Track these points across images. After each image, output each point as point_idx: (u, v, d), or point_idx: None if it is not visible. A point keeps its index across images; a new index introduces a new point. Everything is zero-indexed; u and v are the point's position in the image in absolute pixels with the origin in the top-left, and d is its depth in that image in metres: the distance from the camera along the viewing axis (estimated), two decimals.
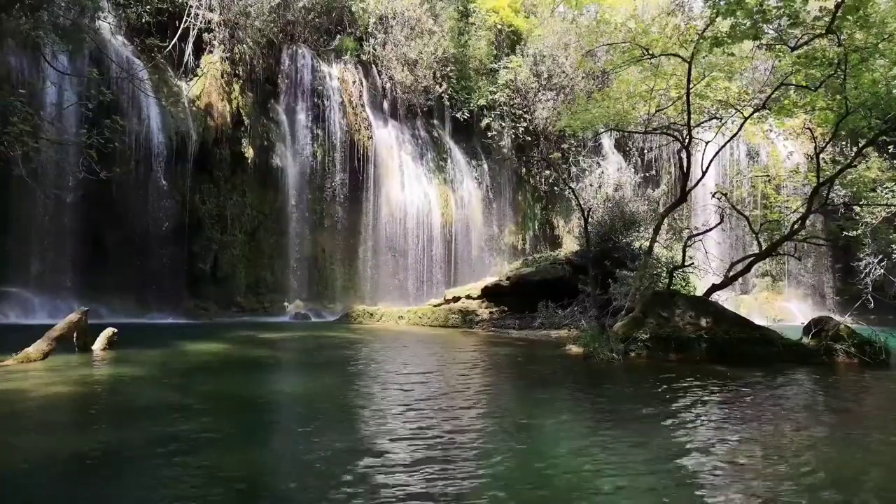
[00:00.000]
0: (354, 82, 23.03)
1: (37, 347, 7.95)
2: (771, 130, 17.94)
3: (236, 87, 20.25)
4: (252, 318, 18.41)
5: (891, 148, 19.38)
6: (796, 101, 12.75)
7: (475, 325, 16.23)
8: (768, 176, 24.89)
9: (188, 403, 5.92)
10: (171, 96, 18.45)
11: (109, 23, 17.92)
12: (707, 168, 13.10)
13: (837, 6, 9.68)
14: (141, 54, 18.21)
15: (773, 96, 12.77)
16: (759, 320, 13.01)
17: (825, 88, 11.47)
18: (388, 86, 23.93)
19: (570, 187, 17.63)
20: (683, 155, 13.34)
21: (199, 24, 19.23)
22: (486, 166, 25.90)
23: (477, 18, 25.81)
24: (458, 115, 25.08)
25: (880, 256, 20.73)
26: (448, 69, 24.45)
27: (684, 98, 12.12)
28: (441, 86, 24.35)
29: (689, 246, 13.87)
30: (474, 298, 17.79)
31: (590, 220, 14.37)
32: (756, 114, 12.99)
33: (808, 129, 14.20)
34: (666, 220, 15.39)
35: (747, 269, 13.61)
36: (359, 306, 18.84)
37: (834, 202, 15.69)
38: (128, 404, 5.84)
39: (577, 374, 8.71)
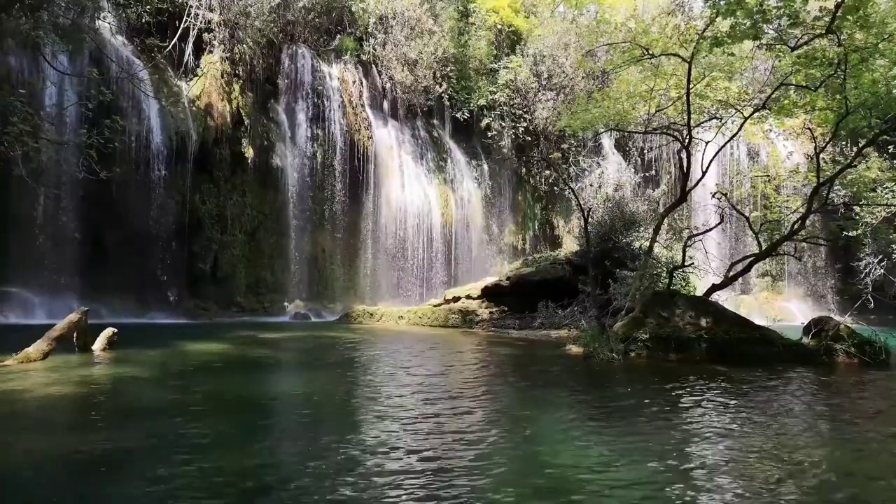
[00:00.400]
0: (354, 82, 23.03)
1: (37, 347, 7.95)
2: (771, 130, 17.95)
3: (236, 87, 20.25)
4: (252, 318, 18.41)
5: (891, 148, 19.38)
6: (796, 101, 12.75)
7: (475, 325, 16.23)
8: (768, 176, 24.89)
9: (188, 403, 5.92)
10: (171, 96, 18.45)
11: (109, 23, 17.92)
12: (707, 168, 13.10)
13: (837, 6, 9.68)
14: (141, 54, 18.21)
15: (773, 96, 12.77)
16: (759, 320, 13.01)
17: (825, 88, 11.47)
18: (388, 86, 23.93)
19: (570, 187, 17.64)
20: (683, 155, 13.35)
21: (199, 24, 19.23)
22: (486, 166, 25.91)
23: (477, 18, 25.81)
24: (458, 115, 25.08)
25: (880, 256, 20.74)
26: (448, 69, 24.45)
27: (684, 98, 12.12)
28: (441, 86, 24.35)
29: (689, 246, 13.87)
30: (474, 298, 17.78)
31: (590, 220, 14.36)
32: (756, 114, 12.99)
33: (808, 129, 14.20)
34: (666, 220, 15.39)
35: (747, 269, 13.61)
36: (359, 306, 18.84)
37: (834, 202, 15.70)
38: (128, 404, 5.84)
39: (577, 375, 8.71)
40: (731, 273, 12.74)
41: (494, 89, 25.32)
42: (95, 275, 16.15)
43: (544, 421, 5.54)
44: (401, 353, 10.97)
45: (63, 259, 16.18)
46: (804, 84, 11.72)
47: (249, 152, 20.15)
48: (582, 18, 26.86)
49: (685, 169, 13.53)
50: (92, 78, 14.78)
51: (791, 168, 23.63)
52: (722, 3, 10.19)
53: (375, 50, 23.54)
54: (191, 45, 19.29)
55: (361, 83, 23.31)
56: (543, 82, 25.60)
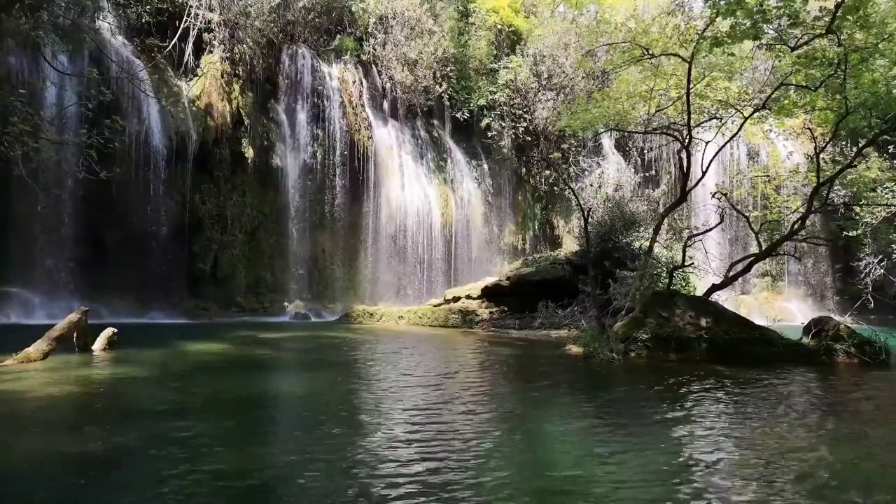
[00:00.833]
0: (354, 82, 23.03)
1: (37, 347, 7.95)
2: (771, 130, 17.95)
3: (236, 87, 20.25)
4: (252, 318, 18.41)
5: (891, 148, 19.38)
6: (796, 101, 12.75)
7: (475, 325, 16.23)
8: (768, 176, 24.88)
9: (188, 404, 5.92)
10: (171, 96, 18.46)
11: (109, 23, 17.92)
12: (707, 168, 13.10)
13: (837, 6, 9.68)
14: (141, 54, 18.21)
15: (773, 96, 12.76)
16: (759, 320, 13.01)
17: (825, 88, 11.47)
18: (388, 86, 23.94)
19: (570, 187, 17.64)
20: (683, 155, 13.35)
21: (199, 24, 19.23)
22: (486, 166, 25.91)
23: (477, 18, 25.81)
24: (458, 115, 25.08)
25: (880, 256, 20.73)
26: (448, 69, 24.45)
27: (684, 98, 12.12)
28: (441, 86, 24.35)
29: (689, 246, 13.86)
30: (474, 298, 17.78)
31: (590, 220, 14.37)
32: (756, 114, 12.99)
33: (808, 129, 14.20)
34: (666, 220, 15.39)
35: (747, 269, 13.61)
36: (359, 306, 18.84)
37: (834, 202, 15.69)
38: (128, 404, 5.84)
39: (577, 375, 8.71)
40: (731, 273, 12.74)
41: (494, 89, 25.32)
42: (95, 275, 16.15)
43: (544, 421, 5.53)
44: (401, 353, 10.97)
45: (63, 259, 16.19)
46: (804, 84, 11.71)
47: (249, 152, 20.15)
48: (582, 18, 26.87)
49: (685, 169, 13.53)
50: (92, 78, 14.77)
51: (791, 168, 23.61)
52: (722, 3, 10.19)
53: (375, 50, 23.54)
54: (191, 45, 19.29)
55: (361, 83, 23.32)
56: (543, 82, 25.60)
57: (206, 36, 19.68)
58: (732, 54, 11.98)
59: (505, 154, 25.92)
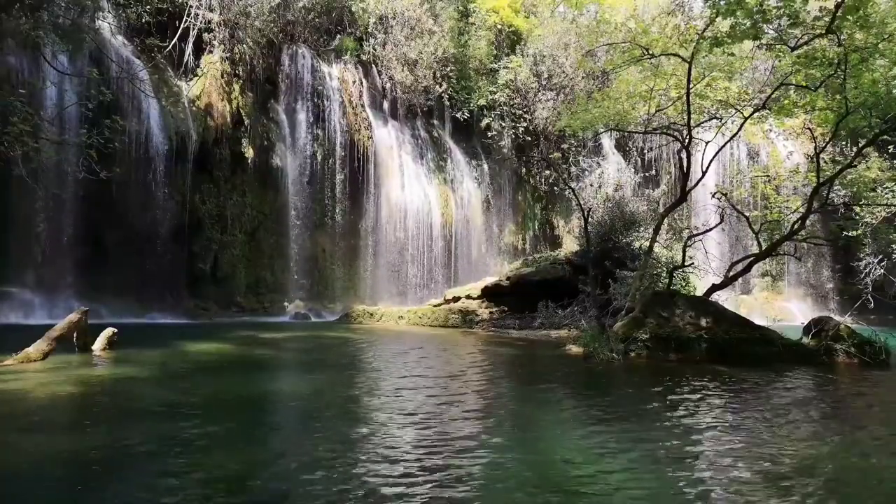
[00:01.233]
0: (354, 82, 23.03)
1: (37, 347, 7.95)
2: (771, 130, 17.97)
3: (236, 87, 20.25)
4: (252, 318, 18.41)
5: (891, 148, 19.38)
6: (796, 101, 12.75)
7: (475, 325, 16.23)
8: (768, 176, 24.85)
9: (188, 403, 5.92)
10: (171, 96, 18.45)
11: (109, 23, 17.92)
12: (707, 168, 13.10)
13: (837, 6, 9.68)
14: (141, 54, 18.21)
15: (773, 96, 12.76)
16: (759, 320, 13.01)
17: (825, 88, 11.47)
18: (388, 86, 23.93)
19: (570, 187, 17.64)
20: (683, 155, 13.35)
21: (199, 24, 19.23)
22: (486, 166, 25.91)
23: (477, 18, 25.81)
24: (458, 115, 25.08)
25: (880, 256, 20.74)
26: (448, 69, 24.45)
27: (684, 98, 12.12)
28: (441, 86, 24.35)
29: (689, 246, 13.87)
30: (474, 298, 17.78)
31: (590, 220, 14.37)
32: (756, 114, 12.99)
33: (808, 129, 14.20)
34: (666, 220, 15.39)
35: (747, 269, 13.61)
36: (359, 306, 18.84)
37: (834, 202, 15.69)
38: (128, 404, 5.84)
39: (577, 375, 8.71)
40: (731, 273, 12.74)
41: (494, 89, 25.32)
42: (95, 275, 16.15)
43: (544, 421, 5.53)
44: (401, 353, 10.97)
45: (63, 259, 16.18)
46: (804, 84, 11.71)
47: (249, 152, 20.15)
48: (582, 18, 26.87)
49: (685, 169, 13.53)
50: (92, 78, 14.77)
51: (791, 168, 23.61)
52: (722, 3, 10.19)
53: (375, 50, 23.54)
54: (191, 45, 19.28)
55: (361, 83, 23.31)
56: (543, 82, 25.60)
57: (206, 36, 19.67)
58: (732, 54, 11.98)
59: (505, 154, 25.92)
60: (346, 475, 3.81)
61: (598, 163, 25.61)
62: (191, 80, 19.40)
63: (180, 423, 5.06)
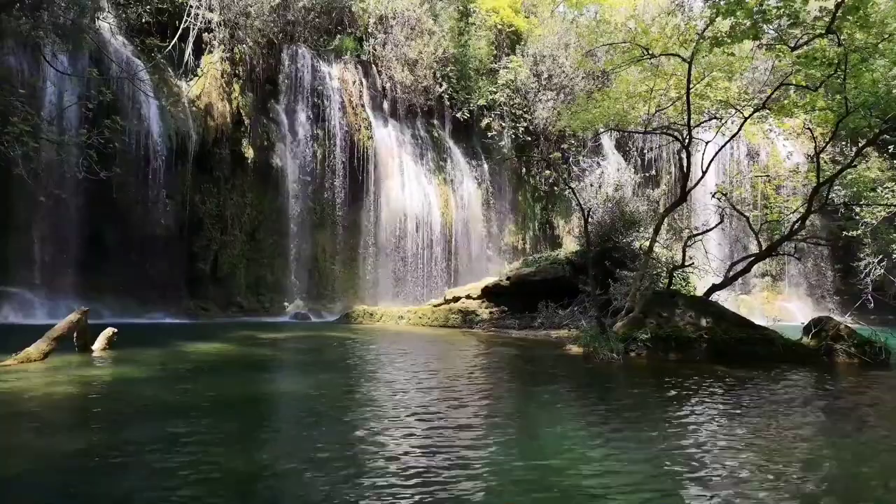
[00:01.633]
0: (354, 82, 23.02)
1: (37, 347, 7.95)
2: (771, 130, 17.95)
3: (236, 87, 20.26)
4: (252, 318, 18.42)
5: (891, 148, 19.39)
6: (796, 101, 12.75)
7: (475, 325, 16.23)
8: (768, 176, 24.90)
9: (188, 403, 5.92)
10: (171, 96, 18.45)
11: (109, 23, 17.92)
12: (707, 168, 13.11)
13: (837, 6, 9.68)
14: (141, 54, 18.20)
15: (773, 96, 12.77)
16: (759, 320, 13.01)
17: (825, 88, 11.47)
18: (388, 86, 23.93)
19: (570, 187, 17.65)
20: (683, 155, 13.35)
21: (199, 24, 19.23)
22: (486, 166, 25.91)
23: (477, 18, 25.80)
24: (458, 115, 25.07)
25: (880, 256, 20.73)
26: (448, 69, 24.45)
27: (684, 98, 12.12)
28: (441, 86, 24.35)
29: (689, 246, 13.87)
30: (474, 298, 17.79)
31: (590, 220, 14.38)
32: (756, 114, 12.99)
33: (808, 129, 14.20)
34: (666, 220, 15.39)
35: (747, 269, 13.62)
36: (359, 306, 18.85)
37: (834, 202, 15.70)
38: (128, 404, 5.84)
39: (577, 375, 8.71)
40: (731, 273, 12.74)
41: (494, 89, 25.31)
42: (95, 275, 16.15)
43: (545, 421, 5.53)
44: (401, 353, 10.97)
45: (63, 259, 16.18)
46: (804, 84, 11.72)
47: (249, 152, 20.16)
48: (582, 18, 26.92)
49: (685, 169, 13.54)
50: (92, 78, 14.77)
51: (791, 168, 23.65)
52: (722, 3, 10.18)
53: (375, 50, 23.53)
54: (191, 45, 19.29)
55: (361, 83, 23.31)
56: (543, 82, 25.60)
57: (206, 36, 19.68)
58: (732, 54, 11.98)
59: (505, 154, 25.91)
60: (346, 475, 3.81)
61: (598, 163, 25.62)
62: (191, 80, 19.41)
63: (180, 423, 5.05)
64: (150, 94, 17.12)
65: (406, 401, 6.27)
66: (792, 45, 10.95)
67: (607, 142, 27.58)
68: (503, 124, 25.56)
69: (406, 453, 4.28)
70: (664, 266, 14.97)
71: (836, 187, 14.40)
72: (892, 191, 17.61)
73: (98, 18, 16.54)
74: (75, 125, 15.10)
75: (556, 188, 26.07)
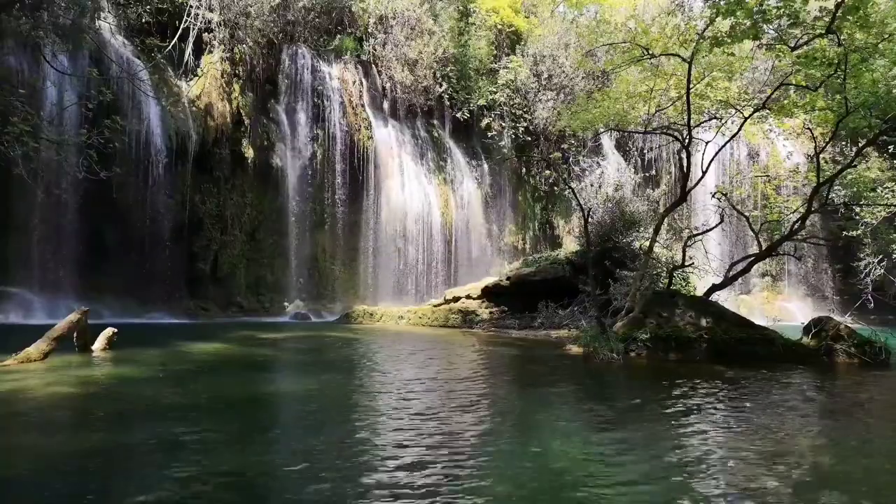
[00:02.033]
0: (354, 82, 23.02)
1: (37, 347, 7.95)
2: (771, 130, 17.94)
3: (236, 87, 20.26)
4: (252, 318, 18.41)
5: (891, 148, 19.39)
6: (796, 101, 12.75)
7: (475, 325, 16.23)
8: (768, 176, 24.90)
9: (188, 403, 5.92)
10: (171, 96, 18.45)
11: (109, 23, 17.92)
12: (707, 168, 13.11)
13: (837, 6, 9.68)
14: (141, 54, 18.20)
15: (773, 96, 12.76)
16: (759, 320, 13.01)
17: (825, 88, 11.47)
18: (388, 86, 23.92)
19: (570, 187, 17.65)
20: (683, 155, 13.35)
21: (199, 24, 19.22)
22: (486, 166, 25.91)
23: (477, 18, 25.80)
24: (458, 115, 25.07)
25: (880, 256, 20.73)
26: (448, 69, 24.44)
27: (684, 98, 12.12)
28: (441, 86, 24.35)
29: (689, 246, 13.87)
30: (474, 298, 17.79)
31: (590, 220, 14.38)
32: (756, 114, 12.99)
33: (808, 129, 14.20)
34: (666, 220, 15.39)
35: (747, 269, 13.62)
36: (359, 306, 18.84)
37: (834, 202, 15.70)
38: (127, 404, 5.84)
39: (577, 375, 8.71)
40: (731, 273, 12.74)
41: (494, 89, 25.31)
42: (95, 275, 16.15)
43: (545, 421, 5.53)
44: (401, 353, 10.97)
45: (63, 259, 16.18)
46: (804, 84, 11.72)
47: (249, 152, 20.16)
48: (582, 18, 26.91)
49: (685, 169, 13.54)
50: (92, 78, 14.77)
51: (791, 168, 23.65)
52: (722, 3, 10.18)
53: (375, 50, 23.53)
54: (191, 45, 19.28)
55: (361, 83, 23.31)
56: (543, 82, 25.59)
57: (206, 36, 19.68)
58: (732, 54, 11.97)
59: (505, 154, 25.90)
60: (346, 476, 3.81)
61: (598, 163, 25.62)
62: (191, 80, 19.41)
63: (180, 423, 5.06)
64: (150, 94, 17.12)
65: (406, 401, 6.26)
66: (792, 45, 10.95)
67: (607, 142, 27.58)
68: (503, 124, 25.56)
69: (406, 454, 4.28)
70: (664, 266, 14.97)
71: (836, 187, 14.40)
72: (892, 191, 17.61)
73: (98, 18, 16.53)
74: (75, 125, 15.10)
75: (556, 188, 26.07)
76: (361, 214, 22.46)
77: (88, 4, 14.85)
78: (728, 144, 15.04)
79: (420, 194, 23.44)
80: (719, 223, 14.61)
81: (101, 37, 16.78)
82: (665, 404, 6.35)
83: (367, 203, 22.49)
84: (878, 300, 19.90)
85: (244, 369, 8.56)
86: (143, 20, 18.43)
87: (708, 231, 14.46)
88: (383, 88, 23.98)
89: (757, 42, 12.38)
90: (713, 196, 15.31)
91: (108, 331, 9.35)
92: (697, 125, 13.24)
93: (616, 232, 16.76)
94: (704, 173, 13.32)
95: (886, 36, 10.32)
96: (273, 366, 9.51)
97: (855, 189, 16.41)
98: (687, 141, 12.69)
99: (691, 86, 11.87)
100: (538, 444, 4.69)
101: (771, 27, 10.91)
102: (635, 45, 12.59)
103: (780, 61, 13.47)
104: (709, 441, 4.86)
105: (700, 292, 13.11)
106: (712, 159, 13.19)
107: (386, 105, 24.09)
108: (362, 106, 23.01)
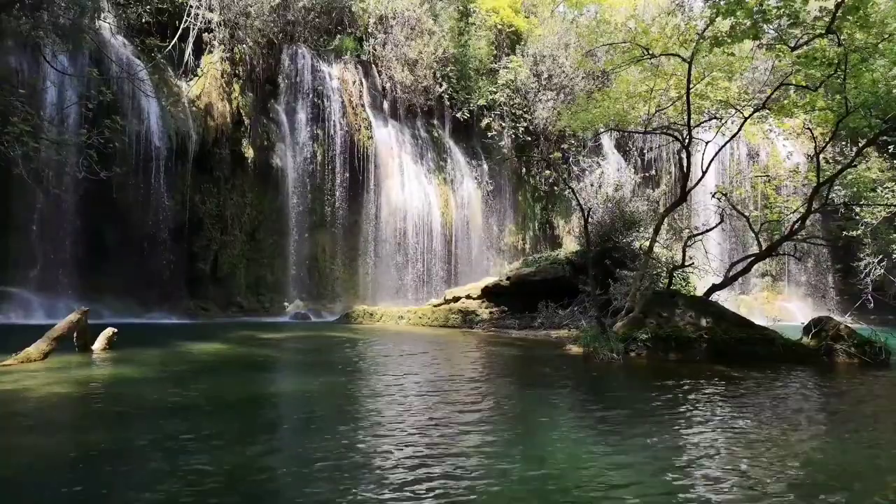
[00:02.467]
0: (354, 82, 23.02)
1: (37, 347, 7.95)
2: (771, 130, 17.94)
3: (236, 87, 20.26)
4: (252, 318, 18.41)
5: (891, 148, 19.40)
6: (796, 101, 12.75)
7: (475, 325, 16.23)
8: (768, 176, 24.88)
9: (188, 403, 5.92)
10: (171, 96, 18.45)
11: (109, 23, 17.92)
12: (707, 168, 13.11)
13: (837, 6, 9.68)
14: (141, 54, 18.20)
15: (773, 96, 12.76)
16: (759, 320, 13.01)
17: (825, 88, 11.48)
18: (388, 86, 23.93)
19: (570, 187, 17.64)
20: (683, 155, 13.35)
21: (199, 24, 19.22)
22: (486, 166, 25.91)
23: (477, 18, 25.80)
24: (458, 115, 25.07)
25: (880, 256, 20.74)
26: (448, 69, 24.44)
27: (684, 98, 12.12)
28: (441, 86, 24.35)
29: (689, 246, 13.87)
30: (474, 298, 17.78)
31: (590, 220, 14.38)
32: (756, 114, 12.99)
33: (808, 129, 14.20)
34: (666, 220, 15.39)
35: (747, 269, 13.62)
36: (359, 306, 18.84)
37: (834, 202, 15.70)
38: (128, 404, 5.84)
39: (577, 375, 8.71)
40: (731, 273, 12.74)
41: (494, 89, 25.31)
42: (95, 275, 16.15)
43: (544, 421, 5.53)
44: (401, 353, 10.97)
45: (63, 259, 16.18)
46: (804, 84, 11.72)
47: (249, 152, 20.16)
48: (582, 18, 26.90)
49: (685, 169, 13.54)
50: (92, 78, 14.77)
51: (791, 168, 23.64)
52: (722, 3, 10.18)
53: (375, 50, 23.53)
54: (191, 45, 19.28)
55: (361, 83, 23.30)
56: (543, 82, 25.59)
57: (206, 36, 19.67)
58: (732, 54, 11.97)
59: (505, 154, 25.91)
60: (346, 476, 3.81)
61: (598, 163, 25.61)
62: (191, 80, 19.41)
63: (180, 423, 5.06)
64: (150, 94, 17.12)
65: (406, 401, 6.27)
66: (792, 45, 10.96)
67: (607, 142, 27.58)
68: (503, 124, 25.56)
69: (406, 454, 4.28)
70: (664, 266, 14.97)
71: (836, 187, 14.40)
72: (892, 191, 17.61)
73: (98, 18, 16.54)
74: (75, 125, 15.11)
75: (556, 188, 26.07)
76: (361, 214, 22.46)
77: (88, 4, 14.85)
78: (728, 144, 15.04)
79: (420, 194, 23.44)
80: (719, 223, 14.61)
81: (101, 37, 16.78)
82: (665, 404, 6.35)
83: (367, 203, 22.49)
84: (878, 300, 19.90)
85: (244, 369, 8.56)
86: (143, 20, 18.42)
87: (708, 231, 14.46)
88: (383, 88, 23.98)
89: (757, 42, 12.39)
90: (713, 196, 15.31)
91: (108, 331, 9.36)
92: (697, 125, 13.24)
93: (616, 232, 16.75)
94: (704, 173, 13.32)
95: (886, 36, 10.32)
96: (273, 366, 9.51)
97: (855, 189, 16.42)
98: (687, 141, 12.69)
99: (691, 86, 11.88)
100: (538, 444, 4.69)
101: (771, 27, 10.91)
102: (635, 45, 12.59)
103: (780, 61, 13.47)
104: (709, 441, 4.86)
105: (700, 292, 13.11)
106: (712, 159, 13.20)
107: (386, 105, 24.09)
108: (362, 106, 23.01)
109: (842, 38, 10.05)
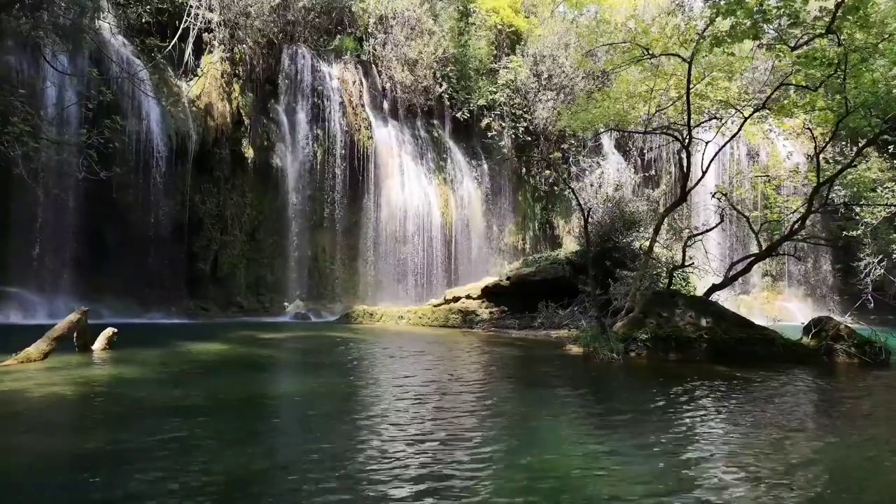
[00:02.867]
0: (354, 82, 23.02)
1: (37, 347, 7.95)
2: (771, 130, 17.95)
3: (236, 87, 20.26)
4: (252, 319, 18.41)
5: (891, 148, 19.39)
6: (796, 101, 12.75)
7: (475, 325, 16.22)
8: (768, 176, 24.86)
9: (188, 403, 5.92)
10: (171, 96, 18.45)
11: (109, 23, 17.92)
12: (707, 168, 13.11)
13: (837, 6, 9.68)
14: (141, 54, 18.20)
15: (773, 96, 12.76)
16: (759, 320, 13.02)
17: (825, 88, 11.47)
18: (388, 86, 23.93)
19: (570, 187, 17.64)
20: (683, 155, 13.35)
21: (199, 24, 19.22)
22: (486, 166, 25.91)
23: (477, 18, 25.80)
24: (458, 115, 25.06)
25: (880, 256, 20.74)
26: (448, 69, 24.44)
27: (684, 98, 12.12)
28: (441, 86, 24.35)
29: (689, 246, 13.87)
30: (474, 298, 17.78)
31: (590, 220, 14.38)
32: (756, 114, 12.99)
33: (808, 129, 14.20)
34: (666, 220, 15.40)
35: (747, 269, 13.62)
36: (359, 306, 18.83)
37: (834, 202, 15.71)
38: (128, 404, 5.84)
39: (577, 375, 8.71)
40: (731, 273, 12.74)
41: (494, 89, 25.31)
42: (95, 275, 16.15)
43: (545, 421, 5.53)
44: (401, 353, 10.97)
45: (64, 259, 16.18)
46: (804, 84, 11.72)
47: (249, 152, 20.16)
48: (582, 18, 26.90)
49: (685, 169, 13.54)
50: (92, 78, 14.77)
51: (791, 168, 23.63)
52: (722, 3, 10.18)
53: (375, 50, 23.53)
54: (191, 45, 19.28)
55: (361, 83, 23.30)
56: (543, 82, 25.59)
57: (206, 36, 19.67)
58: (732, 54, 11.97)
59: (505, 154, 25.90)
60: (346, 476, 3.81)
61: (598, 163, 25.61)
62: (191, 80, 19.41)
63: (180, 423, 5.06)
64: (150, 94, 17.12)
65: (406, 402, 6.26)
66: (792, 45, 10.96)
67: (607, 142, 27.58)
68: (503, 124, 25.55)
69: (406, 455, 4.28)
70: (664, 266, 14.97)
71: (836, 187, 14.40)
72: (892, 191, 17.62)
73: (98, 18, 16.53)
74: (75, 125, 15.10)
75: (556, 188, 26.06)
76: (361, 214, 22.46)
77: (88, 4, 14.85)
78: (728, 144, 15.04)
79: (420, 194, 23.44)
80: (719, 223, 14.62)
81: (101, 37, 16.77)
82: (665, 405, 6.35)
83: (367, 203, 22.49)
84: (878, 300, 19.90)
85: (244, 370, 8.56)
86: (143, 20, 18.43)
87: (708, 231, 14.46)
88: (383, 88, 23.98)
89: (757, 42, 12.39)
90: (713, 196, 15.31)
91: (108, 331, 9.36)
92: (697, 125, 13.24)
93: (616, 232, 16.75)
94: (704, 173, 13.32)
95: (886, 36, 10.32)
96: (273, 366, 9.51)
97: (855, 189, 16.43)
98: (687, 141, 12.69)
99: (691, 86, 11.88)
100: (538, 444, 4.69)
101: (771, 27, 10.91)
102: (635, 45, 12.60)
103: (780, 61, 13.47)
104: (710, 441, 4.86)
105: (700, 292, 13.11)
106: (712, 159, 13.20)
107: (386, 105, 24.10)
108: (362, 106, 23.01)
109: (842, 38, 10.05)
